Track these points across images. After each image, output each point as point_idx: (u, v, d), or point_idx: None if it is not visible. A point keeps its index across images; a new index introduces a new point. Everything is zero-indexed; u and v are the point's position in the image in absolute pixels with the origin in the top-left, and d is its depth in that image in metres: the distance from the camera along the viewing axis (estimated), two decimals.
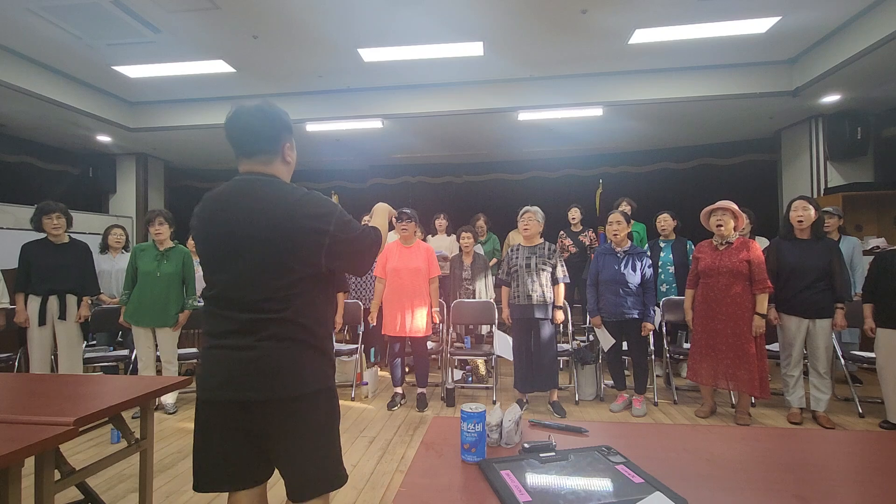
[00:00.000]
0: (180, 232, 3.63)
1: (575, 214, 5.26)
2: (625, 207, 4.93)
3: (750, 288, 3.28)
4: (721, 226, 3.34)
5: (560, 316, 3.63)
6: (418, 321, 3.75)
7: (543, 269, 3.58)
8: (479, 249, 5.09)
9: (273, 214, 1.23)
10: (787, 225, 3.43)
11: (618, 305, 3.55)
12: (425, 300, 3.79)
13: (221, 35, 4.17)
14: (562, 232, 5.28)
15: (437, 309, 3.93)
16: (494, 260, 5.36)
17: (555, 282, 3.62)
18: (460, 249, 4.80)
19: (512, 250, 3.76)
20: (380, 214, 1.59)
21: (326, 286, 1.36)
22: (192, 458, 1.30)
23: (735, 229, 3.38)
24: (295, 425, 1.26)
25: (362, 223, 1.40)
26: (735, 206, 3.34)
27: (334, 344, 1.62)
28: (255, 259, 1.22)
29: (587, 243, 5.15)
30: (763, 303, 3.26)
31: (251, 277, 1.23)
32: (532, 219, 3.63)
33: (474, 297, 4.56)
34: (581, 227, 5.26)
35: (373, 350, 5.10)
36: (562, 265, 3.66)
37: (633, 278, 3.53)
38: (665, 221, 4.50)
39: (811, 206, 3.33)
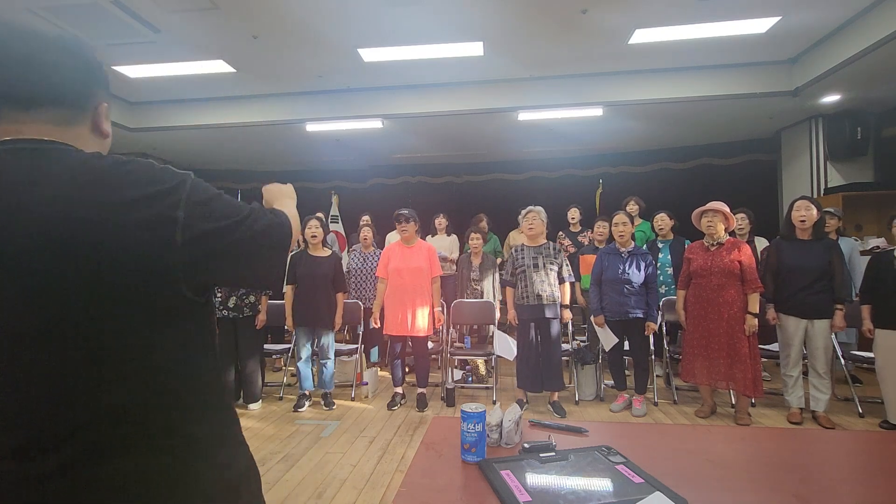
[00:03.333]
0: None
1: (574, 215, 5.27)
2: (632, 207, 4.94)
3: (742, 288, 3.29)
4: (711, 227, 3.36)
5: (568, 314, 3.66)
6: (420, 321, 3.76)
7: (551, 269, 3.59)
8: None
9: (67, 205, 0.62)
10: (788, 225, 3.43)
11: (622, 305, 3.56)
12: (427, 300, 3.80)
13: (221, 35, 4.17)
14: (560, 232, 5.29)
15: (440, 309, 3.93)
16: (500, 259, 5.37)
17: (561, 281, 3.63)
18: (461, 249, 4.80)
19: (516, 250, 3.75)
20: (279, 196, 1.01)
21: (202, 322, 0.75)
22: None
23: (726, 231, 3.40)
24: None
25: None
26: (726, 208, 3.36)
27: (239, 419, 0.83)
28: (36, 298, 0.61)
29: (585, 243, 5.15)
30: (755, 302, 3.27)
31: (34, 338, 0.61)
32: (536, 218, 3.64)
33: (482, 298, 4.57)
34: (580, 228, 5.27)
35: (373, 350, 5.10)
36: (566, 264, 3.67)
37: (638, 277, 3.55)
38: (662, 221, 4.50)
39: (814, 206, 3.33)
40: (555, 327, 3.58)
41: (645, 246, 4.54)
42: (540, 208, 3.69)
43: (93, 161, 0.68)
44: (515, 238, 5.74)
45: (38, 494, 0.61)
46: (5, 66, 0.67)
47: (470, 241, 4.72)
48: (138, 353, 0.66)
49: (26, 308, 0.61)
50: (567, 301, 3.65)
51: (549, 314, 3.55)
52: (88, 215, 0.62)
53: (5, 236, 0.60)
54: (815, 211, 3.32)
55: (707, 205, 3.40)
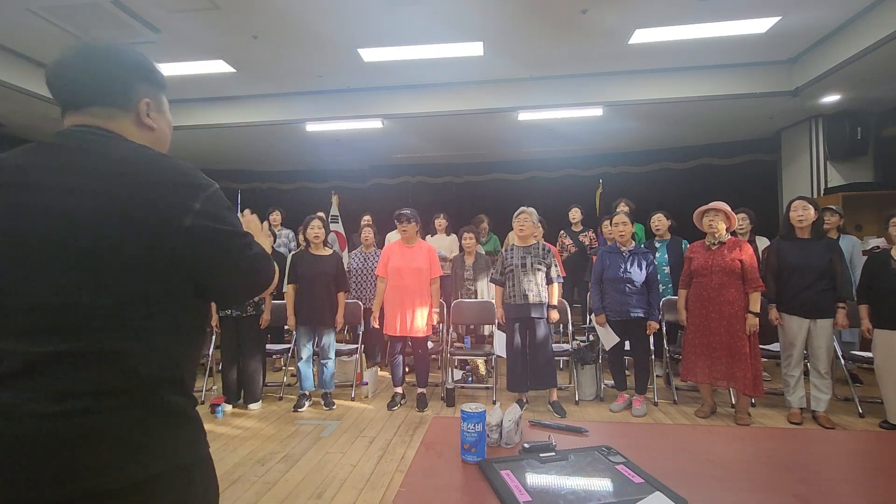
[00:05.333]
0: None
1: (575, 215, 5.28)
2: (623, 208, 4.94)
3: (743, 287, 3.29)
4: (713, 226, 3.36)
5: (555, 315, 3.65)
6: (419, 321, 3.75)
7: (539, 269, 3.60)
8: (481, 249, 5.09)
9: (102, 178, 0.77)
10: (786, 225, 3.44)
11: (623, 304, 3.56)
12: (426, 300, 3.80)
13: (221, 35, 4.17)
14: (562, 231, 5.29)
15: (438, 309, 3.93)
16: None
17: (549, 281, 3.63)
18: (461, 249, 4.80)
19: (507, 250, 3.78)
20: (256, 231, 1.06)
21: (194, 301, 0.85)
22: None
23: (727, 230, 3.40)
24: None
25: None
26: (727, 208, 3.36)
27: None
28: (68, 249, 0.74)
29: (587, 243, 5.15)
30: (756, 301, 3.27)
31: (57, 278, 0.73)
32: (527, 219, 3.65)
33: (476, 297, 4.56)
34: (581, 227, 5.27)
35: (373, 350, 5.09)
36: (555, 265, 3.68)
37: (639, 276, 3.55)
38: (659, 221, 4.49)
39: (811, 206, 3.33)
40: (541, 327, 3.58)
41: (642, 246, 4.55)
42: (532, 209, 3.71)
43: (139, 149, 0.83)
44: (514, 238, 5.74)
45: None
46: (61, 78, 0.86)
47: (462, 241, 4.70)
48: (147, 314, 0.77)
49: (68, 251, 0.74)
50: (555, 301, 3.65)
51: (535, 314, 3.56)
52: (119, 190, 0.76)
53: (65, 197, 0.75)
54: (812, 210, 3.32)
55: (709, 204, 3.40)
